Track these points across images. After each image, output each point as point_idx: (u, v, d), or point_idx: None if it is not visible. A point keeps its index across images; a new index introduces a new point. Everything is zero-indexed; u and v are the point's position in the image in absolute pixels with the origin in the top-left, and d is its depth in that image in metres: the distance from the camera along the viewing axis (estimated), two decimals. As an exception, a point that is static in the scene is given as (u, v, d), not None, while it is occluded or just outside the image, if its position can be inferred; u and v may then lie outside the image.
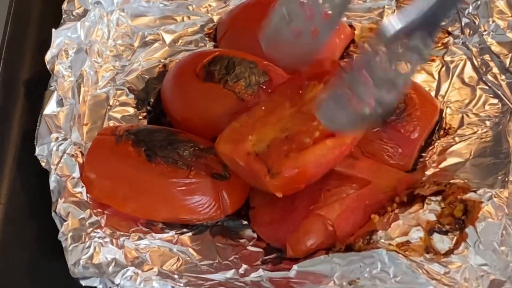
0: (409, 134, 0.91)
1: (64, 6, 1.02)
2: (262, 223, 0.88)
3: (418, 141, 0.92)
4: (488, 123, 0.95)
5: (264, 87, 0.94)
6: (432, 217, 0.84)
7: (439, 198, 0.85)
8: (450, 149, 0.93)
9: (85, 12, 1.01)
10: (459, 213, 0.83)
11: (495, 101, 0.97)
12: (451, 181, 0.87)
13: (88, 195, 0.88)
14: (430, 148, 0.94)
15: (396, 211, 0.84)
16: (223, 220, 0.89)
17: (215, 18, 1.09)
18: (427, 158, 0.93)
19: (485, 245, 0.81)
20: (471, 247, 0.81)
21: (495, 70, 0.98)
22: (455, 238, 0.82)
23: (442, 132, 0.95)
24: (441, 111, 0.97)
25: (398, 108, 0.92)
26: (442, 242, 0.82)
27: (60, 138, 0.90)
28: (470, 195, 0.84)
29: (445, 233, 0.82)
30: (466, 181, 0.87)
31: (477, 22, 1.02)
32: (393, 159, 0.91)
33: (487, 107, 0.97)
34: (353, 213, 0.85)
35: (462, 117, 0.96)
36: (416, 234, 0.83)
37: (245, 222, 0.90)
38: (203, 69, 0.96)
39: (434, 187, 0.85)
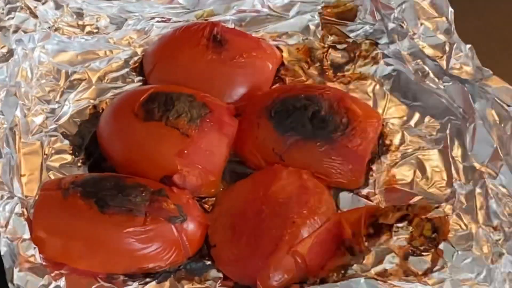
0: (356, 147, 0.91)
1: (-13, 46, 0.96)
2: (227, 262, 0.86)
3: (366, 153, 0.92)
4: (428, 137, 0.96)
5: (207, 120, 0.92)
6: (403, 243, 0.84)
7: (405, 223, 0.85)
8: (397, 163, 0.94)
9: (11, 51, 0.96)
10: (429, 232, 0.84)
11: (433, 115, 0.98)
12: (411, 202, 0.88)
13: (41, 256, 0.83)
14: (377, 160, 0.94)
15: (366, 244, 0.84)
16: (185, 263, 0.87)
17: (139, 50, 1.06)
18: (377, 174, 0.93)
19: (464, 255, 0.82)
20: (450, 261, 0.82)
21: (431, 75, 0.98)
22: (431, 256, 0.83)
23: (384, 148, 0.96)
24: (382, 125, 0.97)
25: (342, 124, 0.91)
26: (419, 263, 0.83)
27: (5, 196, 0.85)
28: (434, 213, 0.85)
29: (420, 254, 0.83)
30: (423, 197, 0.88)
31: (405, 26, 1.02)
32: (345, 176, 0.91)
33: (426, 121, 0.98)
34: (322, 245, 0.85)
35: (403, 133, 0.97)
36: (391, 261, 0.83)
37: (209, 262, 0.87)
38: (141, 108, 0.92)
39: (396, 213, 0.86)
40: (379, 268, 0.83)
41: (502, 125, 0.91)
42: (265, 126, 0.93)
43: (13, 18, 1.00)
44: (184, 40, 1.01)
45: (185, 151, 0.90)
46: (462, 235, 0.84)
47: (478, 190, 0.89)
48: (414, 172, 0.93)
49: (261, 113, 0.94)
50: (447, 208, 0.87)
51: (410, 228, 0.85)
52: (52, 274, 0.82)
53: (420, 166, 0.94)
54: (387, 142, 0.96)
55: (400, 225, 0.85)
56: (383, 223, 0.85)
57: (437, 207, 0.86)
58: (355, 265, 0.83)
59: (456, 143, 0.95)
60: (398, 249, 0.84)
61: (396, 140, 0.96)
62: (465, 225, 0.85)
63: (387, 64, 1.03)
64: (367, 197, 0.92)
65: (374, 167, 0.94)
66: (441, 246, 0.83)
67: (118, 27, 1.07)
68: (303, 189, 0.88)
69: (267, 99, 0.96)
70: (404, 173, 0.93)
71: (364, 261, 0.83)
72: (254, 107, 0.96)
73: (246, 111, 0.97)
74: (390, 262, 0.83)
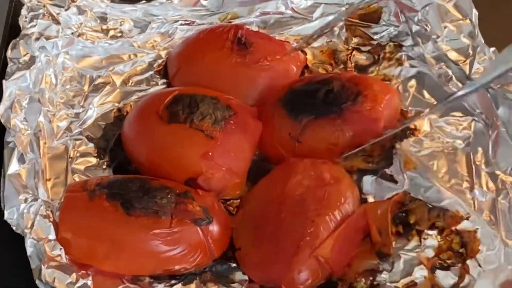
0: (369, 110, 0.91)
1: (9, 53, 0.96)
2: (252, 265, 0.86)
3: (379, 115, 0.91)
4: (453, 133, 0.95)
5: (232, 121, 0.92)
6: (431, 254, 0.84)
7: (435, 231, 0.85)
8: (420, 151, 0.93)
9: (33, 58, 0.96)
10: (457, 246, 0.84)
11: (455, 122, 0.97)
12: (441, 204, 0.87)
13: (67, 257, 0.83)
14: (400, 142, 0.94)
15: (394, 244, 0.84)
16: (211, 265, 0.86)
17: (163, 53, 1.06)
18: (400, 153, 0.92)
19: (490, 273, 0.81)
20: (476, 278, 0.82)
21: (454, 79, 0.97)
22: (458, 271, 0.82)
23: (408, 132, 0.95)
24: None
25: (352, 93, 0.91)
26: (446, 278, 0.82)
27: (29, 199, 0.85)
28: (464, 225, 0.85)
29: (447, 268, 0.83)
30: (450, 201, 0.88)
31: (429, 29, 1.01)
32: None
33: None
34: (344, 242, 0.84)
35: (430, 123, 0.96)
36: (420, 273, 0.83)
37: (234, 265, 0.87)
38: (166, 110, 0.92)
39: (429, 221, 0.85)
40: (408, 279, 0.82)
41: (527, 132, 0.90)
42: (280, 114, 0.94)
43: (35, 25, 1.00)
44: (209, 42, 1.01)
45: (210, 153, 0.90)
46: (488, 255, 0.83)
47: (500, 199, 0.88)
48: (437, 164, 0.92)
49: (276, 104, 0.95)
50: (474, 217, 0.86)
51: (439, 238, 0.84)
52: (80, 273, 0.82)
53: (442, 160, 0.93)
54: (412, 126, 0.95)
55: (430, 232, 0.85)
56: (413, 226, 0.85)
57: (467, 218, 0.85)
58: (384, 273, 0.82)
59: (479, 148, 0.93)
60: (427, 261, 0.83)
61: (422, 126, 0.95)
62: (493, 244, 0.84)
63: (412, 66, 1.02)
64: (391, 178, 0.91)
65: (397, 145, 0.93)
66: (468, 262, 0.82)
67: (142, 30, 1.07)
68: (320, 181, 0.87)
69: (282, 91, 0.96)
70: (426, 163, 0.92)
71: (393, 271, 0.83)
72: (271, 101, 0.96)
73: (265, 108, 0.97)
74: (418, 275, 0.82)
